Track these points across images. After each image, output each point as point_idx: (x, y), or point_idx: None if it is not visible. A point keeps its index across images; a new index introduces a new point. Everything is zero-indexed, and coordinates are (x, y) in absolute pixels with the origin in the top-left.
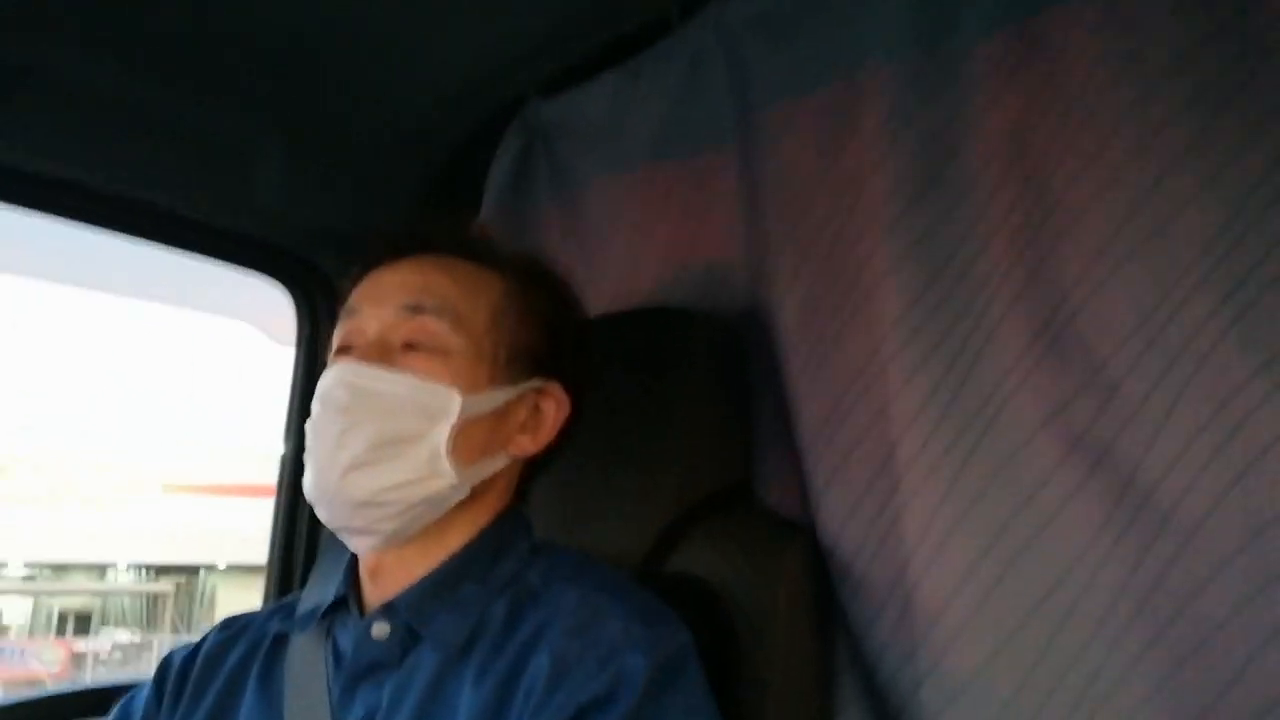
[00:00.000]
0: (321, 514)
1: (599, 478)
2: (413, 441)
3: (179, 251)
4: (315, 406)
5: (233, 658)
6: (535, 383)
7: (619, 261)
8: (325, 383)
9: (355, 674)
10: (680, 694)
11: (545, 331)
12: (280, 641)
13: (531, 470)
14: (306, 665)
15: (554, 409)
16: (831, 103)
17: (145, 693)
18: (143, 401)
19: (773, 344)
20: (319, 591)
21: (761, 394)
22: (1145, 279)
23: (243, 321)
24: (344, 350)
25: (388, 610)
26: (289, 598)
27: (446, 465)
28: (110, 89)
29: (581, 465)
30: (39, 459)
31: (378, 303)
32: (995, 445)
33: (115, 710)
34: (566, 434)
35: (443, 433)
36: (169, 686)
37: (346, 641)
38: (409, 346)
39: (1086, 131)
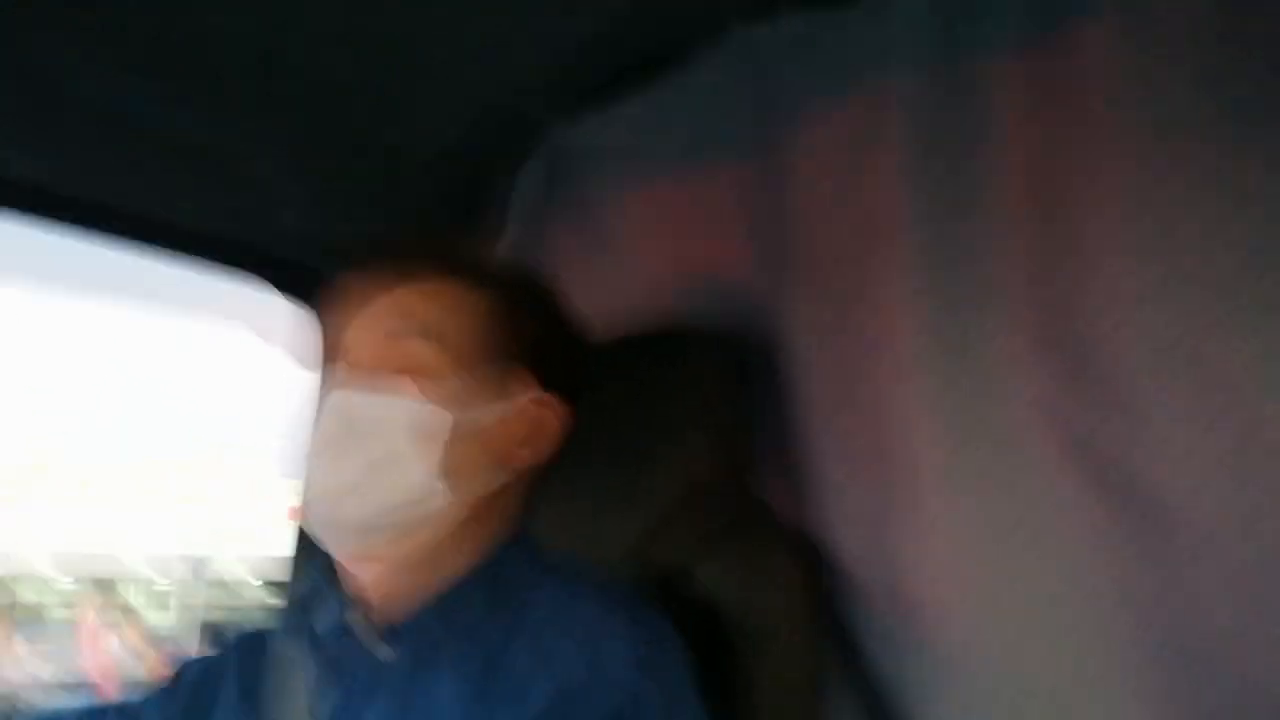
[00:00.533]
0: (322, 542)
1: (596, 483)
2: (404, 463)
3: (205, 268)
4: (310, 438)
5: (229, 666)
6: (530, 395)
7: (638, 289)
8: (318, 414)
9: (330, 658)
10: (673, 688)
11: (535, 345)
12: (267, 647)
13: (536, 482)
14: (288, 663)
15: (552, 420)
16: (850, 127)
17: (157, 696)
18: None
19: (786, 367)
20: (299, 589)
21: (767, 408)
22: (1165, 313)
23: (240, 326)
24: (334, 382)
25: (391, 634)
26: (283, 606)
27: (441, 485)
28: (114, 100)
29: (579, 471)
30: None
31: (362, 331)
32: (998, 455)
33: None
34: (564, 443)
35: (434, 453)
36: (179, 694)
37: (322, 626)
38: (397, 372)
39: (1108, 160)
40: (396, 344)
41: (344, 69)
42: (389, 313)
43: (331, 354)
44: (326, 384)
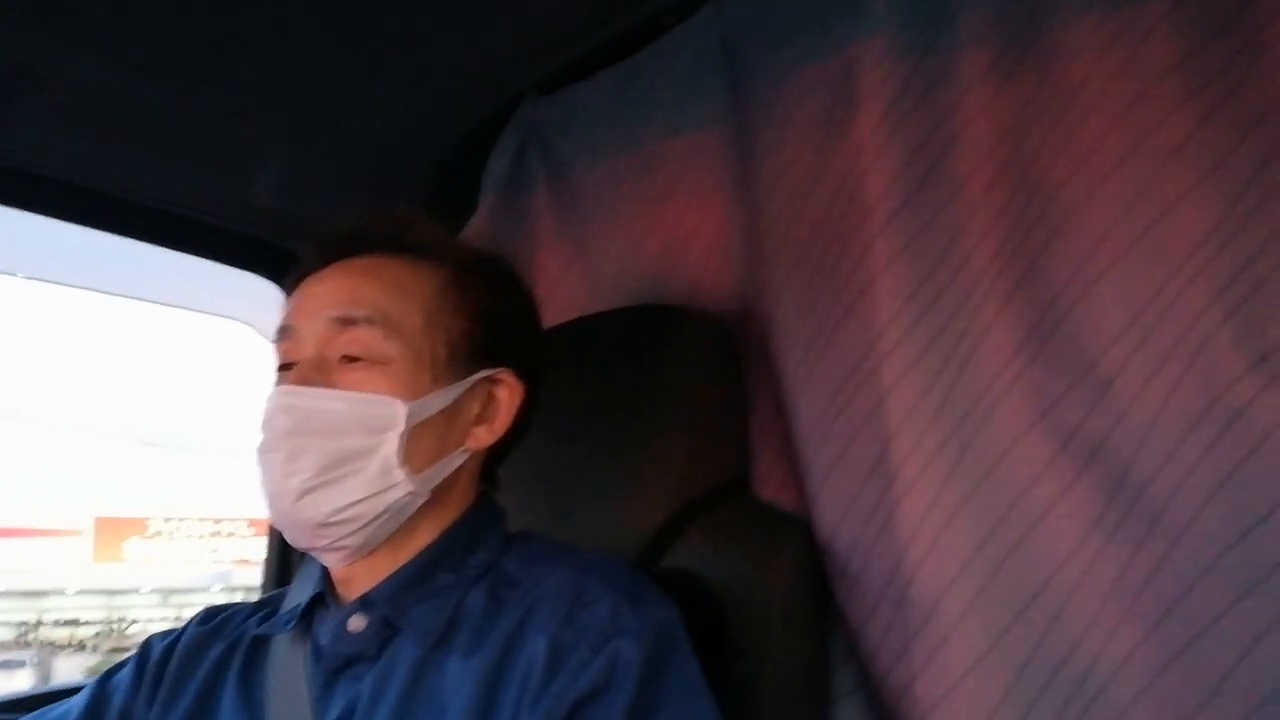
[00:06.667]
0: (286, 537)
1: (594, 474)
2: (362, 457)
3: (180, 252)
4: (261, 432)
5: (212, 654)
6: (484, 373)
7: (616, 257)
8: (267, 407)
9: (333, 668)
10: (673, 675)
11: (485, 320)
12: (261, 642)
13: (494, 456)
14: (287, 664)
15: (508, 396)
16: (827, 101)
17: (126, 674)
18: None
19: (768, 339)
20: (299, 592)
21: (757, 389)
22: (1137, 277)
23: (238, 322)
24: (284, 368)
25: (364, 603)
26: (271, 594)
27: (400, 474)
28: (109, 89)
29: (575, 462)
30: None
31: (309, 317)
32: (988, 442)
33: (93, 683)
34: (526, 419)
35: (391, 444)
36: (149, 673)
37: (325, 637)
38: (346, 360)
39: (1080, 130)
40: (343, 331)
41: (319, 43)
42: (333, 296)
43: (280, 335)
44: (277, 369)
